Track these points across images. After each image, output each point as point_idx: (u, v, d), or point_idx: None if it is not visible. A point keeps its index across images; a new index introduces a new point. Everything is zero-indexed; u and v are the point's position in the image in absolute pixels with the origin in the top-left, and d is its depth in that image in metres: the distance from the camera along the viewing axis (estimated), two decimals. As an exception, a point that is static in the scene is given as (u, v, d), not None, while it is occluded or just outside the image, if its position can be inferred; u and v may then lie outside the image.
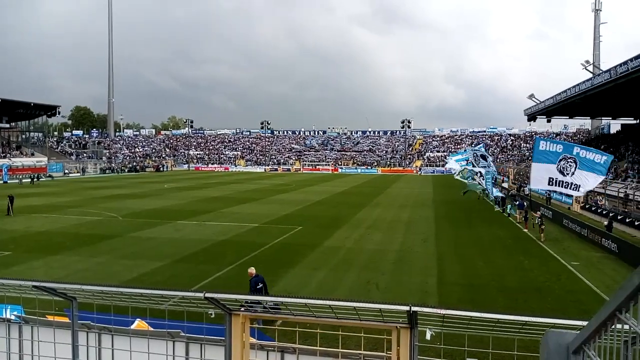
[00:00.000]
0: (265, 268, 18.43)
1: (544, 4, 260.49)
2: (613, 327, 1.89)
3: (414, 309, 3.52)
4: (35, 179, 62.90)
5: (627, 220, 27.66)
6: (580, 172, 21.92)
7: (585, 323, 2.29)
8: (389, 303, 3.66)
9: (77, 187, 56.44)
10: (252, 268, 13.41)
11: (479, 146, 50.46)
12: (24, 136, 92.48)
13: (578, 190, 22.67)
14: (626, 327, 1.77)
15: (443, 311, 3.51)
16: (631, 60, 29.94)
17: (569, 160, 22.08)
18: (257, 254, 20.79)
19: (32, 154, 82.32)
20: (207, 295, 3.89)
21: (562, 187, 22.51)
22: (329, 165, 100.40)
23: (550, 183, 22.45)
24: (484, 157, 42.40)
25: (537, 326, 3.28)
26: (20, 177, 65.27)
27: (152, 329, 6.11)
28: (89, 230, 26.32)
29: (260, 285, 12.64)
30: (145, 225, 27.81)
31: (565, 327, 3.02)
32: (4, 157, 75.09)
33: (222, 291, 4.13)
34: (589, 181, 21.79)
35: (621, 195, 31.17)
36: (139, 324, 7.04)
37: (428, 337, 3.88)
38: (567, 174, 21.92)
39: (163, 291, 4.39)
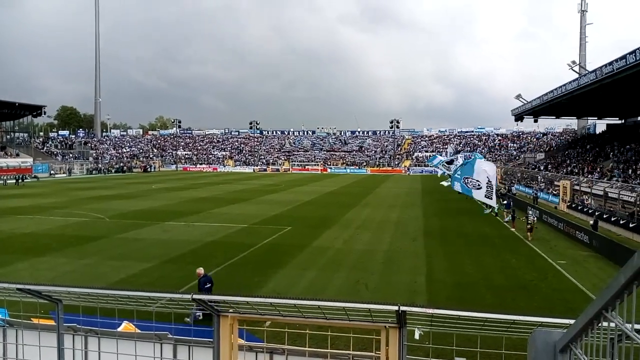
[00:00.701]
0: (254, 269, 18.43)
1: (530, 4, 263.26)
2: (600, 325, 1.90)
3: (403, 308, 3.52)
4: (20, 180, 62.08)
5: (613, 219, 28.04)
6: (475, 175, 24.80)
7: (572, 321, 2.31)
8: (378, 303, 3.66)
9: (63, 188, 55.80)
10: (201, 268, 14.01)
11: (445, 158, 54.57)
12: (8, 137, 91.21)
13: (492, 182, 25.18)
14: (612, 325, 1.78)
15: (431, 310, 3.52)
16: (616, 60, 30.33)
17: (467, 181, 25.39)
18: (246, 255, 20.72)
19: (17, 155, 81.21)
20: (195, 297, 3.86)
21: (490, 187, 24.98)
22: (318, 165, 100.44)
23: (489, 197, 24.77)
24: (450, 162, 43.98)
25: (524, 325, 3.30)
26: (5, 178, 64.34)
27: (139, 331, 6.05)
28: (75, 232, 26.02)
29: (209, 284, 13.29)
30: (133, 227, 27.58)
31: (553, 325, 3.04)
32: (-12, 157, 74.01)
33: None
34: (483, 171, 24.65)
35: (608, 194, 31.58)
36: (126, 326, 6.98)
37: (417, 336, 3.88)
38: (478, 184, 24.89)
39: (150, 293, 4.35)
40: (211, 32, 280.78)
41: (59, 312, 4.58)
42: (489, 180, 24.30)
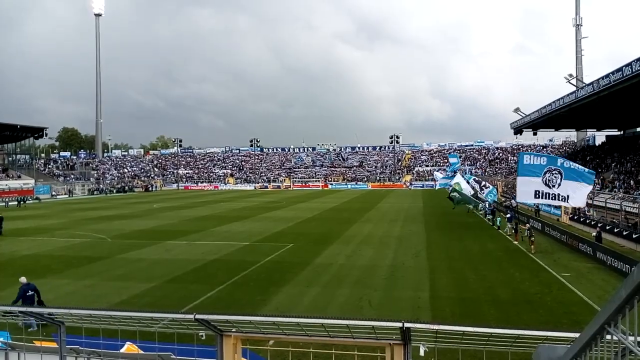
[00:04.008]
0: (256, 287, 18.33)
1: (523, 18, 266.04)
2: (603, 339, 1.90)
3: (407, 325, 3.51)
4: (22, 202, 62.10)
5: (616, 230, 27.93)
6: (567, 183, 22.35)
7: (576, 335, 2.30)
8: (382, 320, 3.64)
9: (64, 208, 55.80)
10: (24, 277, 14.69)
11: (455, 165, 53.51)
12: (10, 159, 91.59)
13: (567, 201, 23.06)
14: (616, 339, 1.78)
15: (436, 326, 3.51)
16: (613, 73, 30.54)
17: (554, 172, 22.54)
18: (248, 273, 20.62)
19: (19, 177, 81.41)
20: (198, 316, 3.85)
21: (549, 199, 22.92)
22: (319, 181, 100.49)
23: (537, 196, 22.94)
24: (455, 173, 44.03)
25: (530, 339, 3.28)
26: (7, 200, 64.38)
27: (142, 352, 6.01)
28: (77, 253, 25.95)
29: (31, 292, 13.92)
30: (135, 246, 27.51)
31: (557, 339, 3.03)
32: (-10, 180, 74.16)
33: (213, 312, 4.09)
34: (576, 192, 22.16)
35: (609, 206, 31.50)
36: (128, 347, 6.92)
37: (422, 353, 3.86)
38: (553, 185, 22.39)
39: (153, 313, 4.34)
40: (209, 53, 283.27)
41: (61, 334, 4.57)
42: (567, 198, 22.26)
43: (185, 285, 18.69)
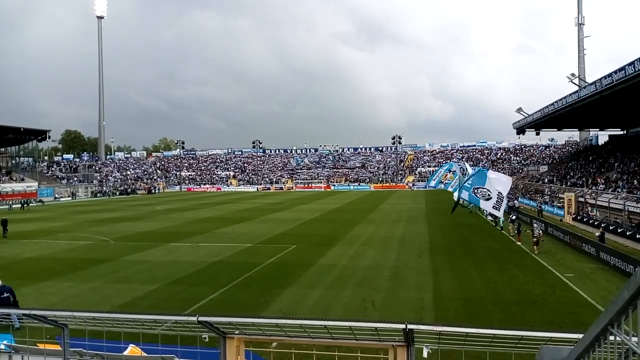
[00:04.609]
0: (259, 288, 18.33)
1: (524, 18, 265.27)
2: (607, 341, 1.89)
3: (410, 326, 3.50)
4: (25, 205, 62.29)
5: (619, 230, 27.85)
6: (486, 187, 25.11)
7: (580, 336, 2.30)
8: (385, 321, 3.64)
9: (68, 211, 55.95)
10: None
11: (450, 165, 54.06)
12: (13, 161, 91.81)
13: (504, 191, 25.43)
14: (619, 340, 1.78)
15: (439, 328, 3.50)
16: (615, 72, 30.46)
17: (475, 192, 25.84)
18: (251, 275, 20.63)
19: (22, 179, 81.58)
20: (201, 319, 3.85)
21: (501, 203, 25.12)
22: (321, 182, 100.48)
23: (496, 208, 25.03)
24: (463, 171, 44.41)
25: (533, 340, 3.28)
26: (10, 202, 64.55)
27: (145, 355, 6.02)
28: (80, 255, 26.01)
29: (7, 294, 13.80)
30: (138, 249, 27.54)
31: (561, 340, 3.02)
32: (-6, 183, 74.36)
33: (216, 314, 4.10)
34: (492, 183, 24.99)
35: (612, 205, 31.41)
36: (132, 350, 6.93)
37: (425, 354, 3.85)
38: (489, 195, 25.14)
39: (156, 316, 4.35)
40: (210, 54, 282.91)
41: (64, 337, 4.58)
42: (499, 193, 24.31)
43: (188, 287, 18.70)
